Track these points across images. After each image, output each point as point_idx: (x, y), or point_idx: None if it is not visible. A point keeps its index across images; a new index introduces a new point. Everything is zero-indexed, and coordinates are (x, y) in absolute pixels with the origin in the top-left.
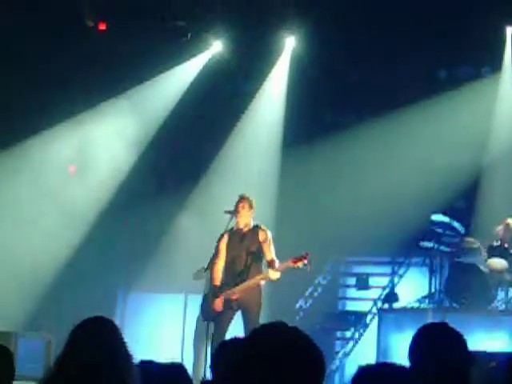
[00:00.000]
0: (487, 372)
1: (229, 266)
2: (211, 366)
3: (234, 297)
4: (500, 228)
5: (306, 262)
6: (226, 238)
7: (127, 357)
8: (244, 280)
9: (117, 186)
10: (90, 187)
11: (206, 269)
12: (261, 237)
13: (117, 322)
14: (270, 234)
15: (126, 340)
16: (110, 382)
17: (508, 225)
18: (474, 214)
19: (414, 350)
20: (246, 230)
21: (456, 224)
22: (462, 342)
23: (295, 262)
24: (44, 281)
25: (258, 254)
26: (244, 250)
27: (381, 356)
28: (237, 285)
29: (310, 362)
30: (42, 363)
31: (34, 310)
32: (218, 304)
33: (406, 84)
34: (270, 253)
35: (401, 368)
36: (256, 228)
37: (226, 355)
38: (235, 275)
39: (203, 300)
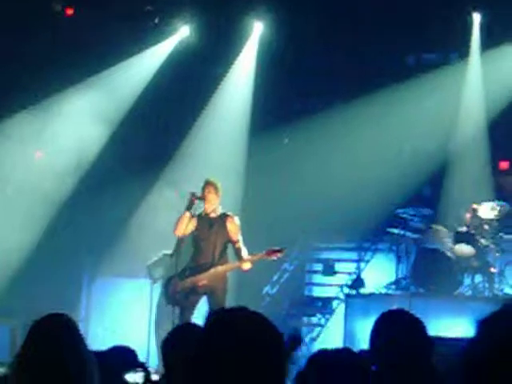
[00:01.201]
0: (449, 358)
1: (196, 251)
2: (162, 351)
3: (201, 283)
4: (466, 214)
5: (280, 255)
6: (194, 222)
7: (85, 355)
8: (211, 267)
9: (84, 170)
10: (57, 171)
11: (172, 255)
12: (229, 224)
13: (82, 307)
14: (238, 221)
15: (83, 337)
16: (67, 380)
17: (474, 210)
18: (440, 201)
19: (375, 336)
20: (214, 215)
21: (422, 211)
22: (422, 328)
23: (269, 255)
24: (9, 267)
25: (225, 242)
26: (212, 237)
27: (347, 341)
28: (204, 271)
29: (271, 349)
30: (7, 350)
31: None
32: (184, 288)
33: (373, 70)
34: (239, 241)
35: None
36: (224, 215)
37: (178, 341)
38: (203, 261)
39: (167, 284)
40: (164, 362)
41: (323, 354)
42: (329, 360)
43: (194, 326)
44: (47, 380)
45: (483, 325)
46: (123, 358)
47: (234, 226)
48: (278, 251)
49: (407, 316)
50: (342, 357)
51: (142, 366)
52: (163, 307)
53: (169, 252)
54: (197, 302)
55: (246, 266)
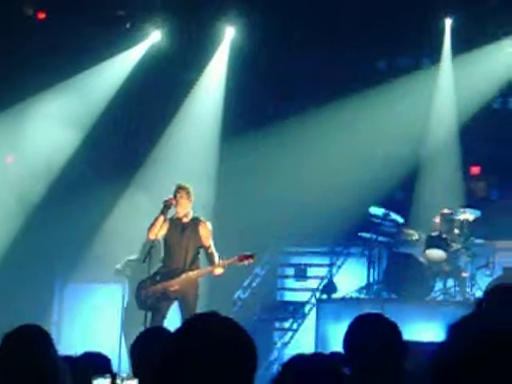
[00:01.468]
0: (421, 362)
1: (168, 256)
2: (131, 355)
3: (173, 288)
4: (437, 219)
5: (252, 261)
6: (166, 226)
7: (58, 364)
8: (182, 272)
9: (55, 175)
10: (28, 176)
11: (144, 259)
12: (201, 230)
13: (54, 312)
14: (210, 226)
15: (55, 346)
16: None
17: (445, 215)
18: (412, 205)
19: (349, 339)
20: (186, 220)
21: (394, 215)
22: (397, 332)
23: (241, 260)
24: None
25: (197, 246)
26: (184, 241)
27: (319, 346)
28: (175, 276)
29: (241, 354)
30: None
31: None
32: (155, 292)
33: (346, 74)
34: (211, 246)
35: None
36: (197, 220)
37: (146, 345)
38: (174, 266)
39: (138, 288)
40: (132, 366)
41: (298, 359)
42: (304, 365)
43: (163, 329)
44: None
45: (453, 329)
46: (95, 363)
47: (206, 231)
48: (250, 257)
49: (383, 319)
50: (317, 362)
51: (110, 372)
52: (130, 311)
53: (133, 257)
54: (168, 307)
55: (218, 271)
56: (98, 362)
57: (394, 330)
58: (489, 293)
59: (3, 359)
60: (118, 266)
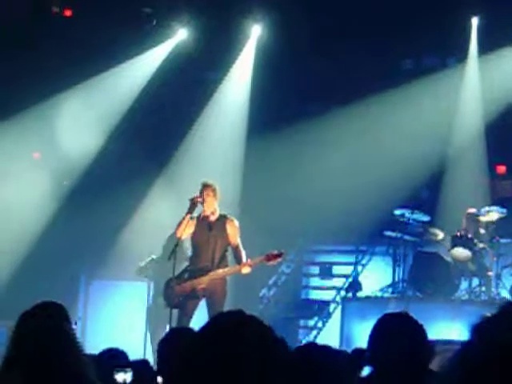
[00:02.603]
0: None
1: (195, 254)
2: (158, 353)
3: (200, 287)
4: (463, 218)
5: (279, 260)
6: (192, 225)
7: (76, 344)
8: (210, 269)
9: (83, 172)
10: (56, 173)
11: (170, 257)
12: (229, 227)
13: (79, 309)
14: (237, 223)
15: (75, 328)
16: (61, 368)
17: (470, 214)
18: (438, 204)
19: (374, 338)
20: (213, 218)
21: (420, 214)
22: (422, 333)
23: (269, 260)
24: (7, 267)
25: (225, 244)
26: (212, 239)
27: (344, 344)
28: (203, 274)
29: (268, 353)
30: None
31: None
32: (183, 291)
33: (371, 73)
34: (238, 244)
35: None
36: (224, 218)
37: (173, 344)
38: (202, 264)
39: (166, 286)
40: (158, 364)
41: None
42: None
43: (189, 329)
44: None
45: (479, 328)
46: (115, 358)
47: (233, 229)
48: (278, 256)
49: (409, 319)
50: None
51: (132, 366)
52: (155, 310)
53: (155, 256)
54: (196, 305)
55: (246, 270)
56: (118, 357)
57: (419, 331)
58: None
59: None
60: (142, 264)
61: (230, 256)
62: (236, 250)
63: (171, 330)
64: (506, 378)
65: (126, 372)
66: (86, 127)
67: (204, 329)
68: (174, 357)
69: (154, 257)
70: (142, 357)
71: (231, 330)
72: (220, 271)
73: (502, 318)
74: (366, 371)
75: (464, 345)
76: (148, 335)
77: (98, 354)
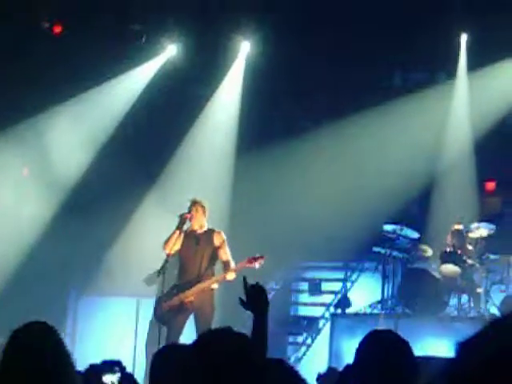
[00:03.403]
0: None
1: (183, 268)
2: (150, 371)
3: (188, 299)
4: (449, 235)
5: (262, 262)
6: (180, 240)
7: (69, 364)
8: (197, 282)
9: (71, 188)
10: (45, 188)
11: (159, 273)
12: (216, 240)
13: (68, 325)
14: (224, 236)
15: (67, 348)
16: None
17: (457, 230)
18: (427, 220)
19: (359, 356)
20: (200, 232)
21: (409, 230)
22: (408, 350)
23: (251, 262)
24: None
25: (212, 257)
26: (199, 253)
27: (333, 361)
28: (190, 287)
29: (254, 370)
30: None
31: None
32: (172, 306)
33: (360, 89)
34: (226, 255)
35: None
36: (211, 231)
37: (165, 361)
38: (189, 277)
39: (156, 303)
40: (151, 379)
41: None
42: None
43: (178, 346)
44: None
45: (465, 344)
46: (104, 363)
47: (220, 241)
48: (259, 258)
49: (394, 336)
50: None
51: (119, 366)
52: (154, 325)
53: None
54: (185, 320)
55: (230, 276)
56: (107, 363)
57: (405, 347)
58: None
59: (10, 357)
60: (146, 277)
61: (219, 270)
62: (224, 260)
63: (161, 348)
64: None
65: (113, 373)
66: (76, 142)
67: (192, 348)
68: (165, 375)
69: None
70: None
71: (218, 350)
72: (206, 282)
73: (488, 333)
74: None
75: (450, 360)
76: (144, 349)
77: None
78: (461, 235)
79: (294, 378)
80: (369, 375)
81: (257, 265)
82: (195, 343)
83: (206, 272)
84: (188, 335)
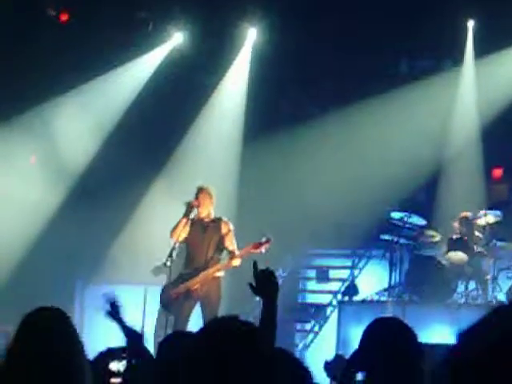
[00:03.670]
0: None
1: (190, 256)
2: (156, 358)
3: (194, 287)
4: (456, 222)
5: (268, 246)
6: (188, 228)
7: (80, 351)
8: (203, 269)
9: (78, 176)
10: (52, 176)
11: (166, 262)
12: (223, 229)
13: (75, 314)
14: (232, 226)
15: (76, 330)
16: (63, 376)
17: (465, 218)
18: (434, 207)
19: (365, 343)
20: (207, 220)
21: (416, 218)
22: (413, 336)
23: (257, 248)
24: (2, 271)
25: (219, 246)
26: (206, 241)
27: (341, 348)
28: (196, 274)
29: (261, 358)
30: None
31: None
32: (178, 293)
33: (368, 76)
34: (232, 245)
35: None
36: (218, 220)
37: (171, 349)
38: (196, 266)
39: (163, 291)
40: (156, 366)
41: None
42: None
43: (185, 334)
44: (41, 373)
45: (468, 331)
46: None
47: (227, 231)
48: (266, 242)
49: (399, 323)
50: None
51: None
52: (162, 313)
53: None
54: (191, 308)
55: (236, 262)
56: (113, 351)
57: (409, 334)
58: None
59: (21, 342)
60: (156, 265)
61: (226, 257)
62: (230, 250)
63: (168, 335)
64: (495, 379)
65: (120, 360)
66: (83, 130)
67: (198, 337)
68: (171, 363)
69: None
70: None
71: (223, 339)
72: (211, 269)
73: (492, 320)
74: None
75: (453, 347)
76: (151, 337)
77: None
78: (468, 222)
79: (296, 368)
80: (374, 361)
81: (263, 250)
82: (201, 331)
83: (212, 260)
84: (195, 323)
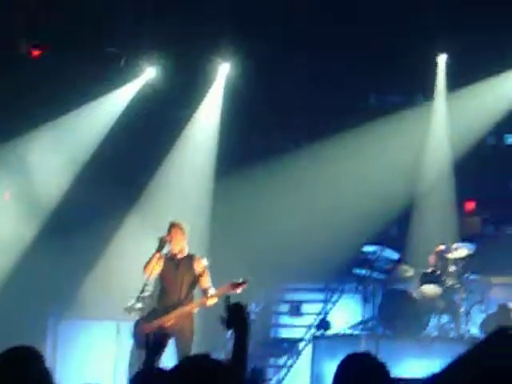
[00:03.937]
0: None
1: (163, 292)
2: None
3: (168, 323)
4: (432, 256)
5: (245, 286)
6: (161, 263)
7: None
8: (177, 306)
9: (51, 211)
10: (25, 212)
11: (138, 299)
12: (196, 267)
13: (48, 350)
14: (205, 262)
15: (50, 370)
16: None
17: (440, 251)
18: (407, 241)
19: (339, 378)
20: (180, 256)
21: (389, 252)
22: (386, 372)
23: (233, 288)
24: None
25: (192, 283)
26: (179, 278)
27: (315, 383)
28: (170, 311)
29: None
30: None
31: None
32: (151, 329)
33: (339, 110)
34: (206, 282)
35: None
36: (191, 257)
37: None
38: (169, 302)
39: (135, 327)
40: None
41: None
42: None
43: (157, 370)
44: None
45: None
46: None
47: (202, 270)
48: (242, 283)
49: (371, 360)
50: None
51: None
52: (134, 349)
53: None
54: (165, 345)
55: (212, 301)
56: None
57: (382, 370)
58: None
59: None
60: (129, 304)
61: (197, 294)
62: (203, 287)
63: (139, 371)
64: None
65: None
66: (57, 165)
67: (172, 373)
68: None
69: (142, 295)
70: None
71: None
72: (186, 308)
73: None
74: None
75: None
76: (125, 372)
77: None
78: (443, 256)
79: None
80: None
81: (239, 290)
82: (174, 369)
83: (186, 297)
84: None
